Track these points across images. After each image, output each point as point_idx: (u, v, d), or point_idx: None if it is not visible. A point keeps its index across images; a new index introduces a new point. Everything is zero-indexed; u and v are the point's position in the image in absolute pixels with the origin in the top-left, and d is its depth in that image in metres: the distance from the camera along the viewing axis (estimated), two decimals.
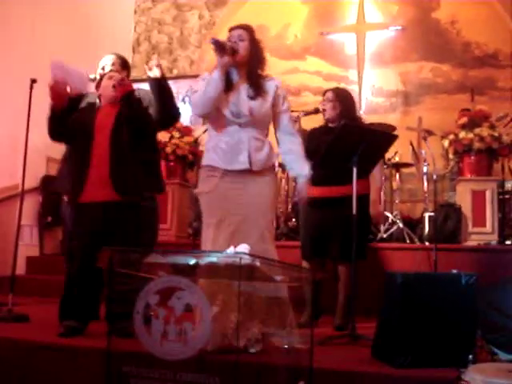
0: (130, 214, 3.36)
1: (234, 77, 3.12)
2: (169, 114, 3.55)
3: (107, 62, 4.02)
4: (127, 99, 3.45)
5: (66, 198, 4.01)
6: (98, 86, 3.61)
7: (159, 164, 4.08)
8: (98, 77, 3.95)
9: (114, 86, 3.46)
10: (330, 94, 4.03)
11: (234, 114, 3.04)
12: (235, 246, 2.43)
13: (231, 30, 3.15)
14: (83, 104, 3.87)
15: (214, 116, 3.10)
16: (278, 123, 3.18)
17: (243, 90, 3.08)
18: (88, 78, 3.65)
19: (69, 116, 3.52)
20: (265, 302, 2.75)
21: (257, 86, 3.08)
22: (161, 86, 3.44)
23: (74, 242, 3.42)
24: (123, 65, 4.06)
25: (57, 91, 3.42)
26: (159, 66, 3.41)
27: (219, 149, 3.05)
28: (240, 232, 2.94)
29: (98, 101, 3.72)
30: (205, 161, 3.13)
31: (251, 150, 3.02)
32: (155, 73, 3.41)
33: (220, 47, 2.99)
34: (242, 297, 2.35)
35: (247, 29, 3.15)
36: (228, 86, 3.07)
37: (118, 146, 3.37)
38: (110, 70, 3.75)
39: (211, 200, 3.07)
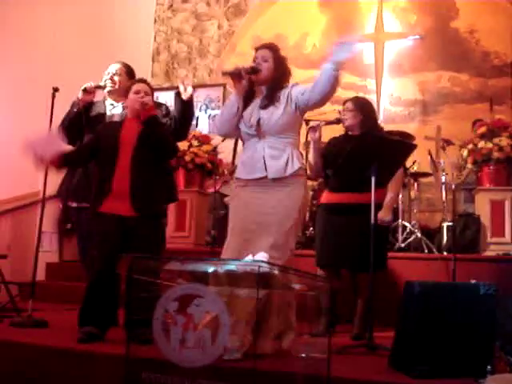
0: (148, 226, 3.42)
1: (257, 93, 3.27)
2: (186, 131, 3.97)
3: (113, 71, 4.13)
4: (149, 124, 3.49)
5: (74, 205, 4.05)
6: (125, 97, 3.64)
7: (173, 174, 4.18)
8: (107, 84, 4.05)
9: (139, 103, 3.50)
10: (349, 104, 4.04)
11: (246, 126, 3.20)
12: (245, 254, 2.44)
13: (257, 49, 3.29)
14: (93, 113, 3.97)
15: (238, 134, 3.31)
16: (300, 103, 3.19)
17: (259, 102, 3.21)
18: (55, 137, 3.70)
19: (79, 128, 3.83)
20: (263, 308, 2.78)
21: (270, 96, 3.19)
22: (189, 107, 3.77)
23: (94, 250, 3.45)
24: (129, 74, 4.15)
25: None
26: (192, 88, 3.68)
27: (242, 161, 3.22)
28: (252, 240, 3.02)
29: (108, 106, 3.98)
30: (235, 174, 3.31)
31: (266, 158, 3.10)
32: (188, 93, 3.70)
33: (233, 75, 3.19)
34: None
35: (271, 48, 3.27)
36: (247, 102, 3.23)
37: (139, 163, 3.45)
38: (131, 81, 3.78)
39: (233, 208, 3.24)
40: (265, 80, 3.21)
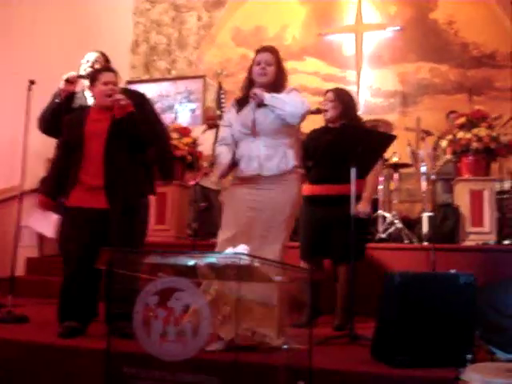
0: (123, 219, 3.38)
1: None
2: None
3: (92, 59, 4.05)
4: (125, 121, 3.42)
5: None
6: (90, 88, 3.60)
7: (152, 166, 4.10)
8: (81, 72, 3.97)
9: (108, 95, 3.43)
10: (330, 94, 4.04)
11: (242, 126, 3.25)
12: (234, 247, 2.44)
13: (258, 51, 3.34)
14: (75, 104, 3.90)
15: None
16: None
17: (254, 104, 3.26)
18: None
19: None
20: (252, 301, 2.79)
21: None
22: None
23: (69, 244, 3.42)
24: (107, 62, 4.09)
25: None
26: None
27: (239, 160, 3.24)
28: (243, 234, 3.06)
29: (89, 97, 3.84)
30: (236, 174, 3.32)
31: (261, 157, 3.17)
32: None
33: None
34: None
35: (274, 52, 3.33)
36: (243, 105, 3.31)
37: (112, 158, 3.40)
38: (97, 69, 3.72)
39: (227, 204, 3.32)
40: (267, 84, 3.27)
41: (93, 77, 3.57)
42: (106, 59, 4.11)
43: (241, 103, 3.33)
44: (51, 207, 3.58)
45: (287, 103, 3.14)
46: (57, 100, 3.88)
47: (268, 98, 3.16)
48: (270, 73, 3.26)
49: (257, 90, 3.20)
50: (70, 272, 3.41)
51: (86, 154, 3.40)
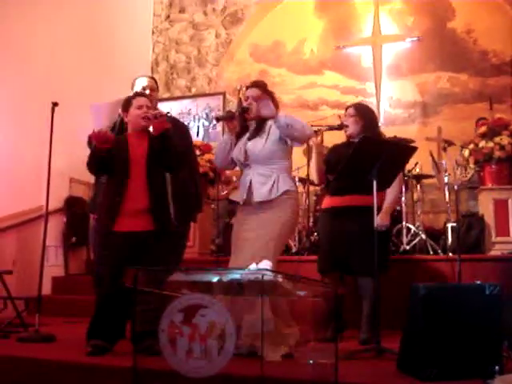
0: (165, 243, 3.42)
1: (249, 127, 3.58)
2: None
3: (143, 84, 4.01)
4: (163, 137, 3.45)
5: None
6: (125, 115, 3.59)
7: (197, 182, 4.14)
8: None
9: (146, 118, 3.46)
10: (351, 110, 4.04)
11: (237, 157, 3.53)
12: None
13: (247, 88, 3.62)
14: None
15: (235, 165, 3.65)
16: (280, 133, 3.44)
17: (247, 135, 3.55)
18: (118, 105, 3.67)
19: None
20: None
21: (257, 129, 3.51)
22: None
23: (103, 265, 3.44)
24: (156, 87, 4.11)
25: (101, 138, 3.38)
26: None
27: (238, 187, 3.62)
28: (240, 255, 3.29)
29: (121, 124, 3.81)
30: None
31: (253, 184, 3.42)
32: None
33: (226, 119, 3.55)
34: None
35: (260, 86, 3.56)
36: (242, 135, 3.56)
37: (154, 179, 3.47)
38: (133, 96, 3.67)
39: (234, 227, 3.57)
40: (257, 117, 3.47)
41: (126, 103, 3.58)
42: (155, 84, 4.13)
43: (237, 136, 3.57)
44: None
45: (301, 123, 3.35)
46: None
47: (282, 117, 3.32)
48: (254, 107, 3.44)
49: (266, 108, 3.35)
50: (102, 295, 3.44)
51: (131, 180, 3.43)
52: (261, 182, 3.39)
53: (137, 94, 3.69)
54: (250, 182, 3.42)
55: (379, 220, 3.75)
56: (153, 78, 4.20)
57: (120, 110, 3.64)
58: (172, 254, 3.57)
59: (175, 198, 3.62)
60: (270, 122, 3.46)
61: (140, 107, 3.51)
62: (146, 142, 3.50)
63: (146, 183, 3.43)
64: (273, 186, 3.37)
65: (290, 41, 8.24)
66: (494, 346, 2.69)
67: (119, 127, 3.80)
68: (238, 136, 3.56)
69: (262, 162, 3.43)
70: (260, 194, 3.38)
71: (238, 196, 3.55)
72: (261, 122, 3.49)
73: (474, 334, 2.69)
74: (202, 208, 4.23)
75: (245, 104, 3.51)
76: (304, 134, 3.38)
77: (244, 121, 3.55)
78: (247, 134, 3.53)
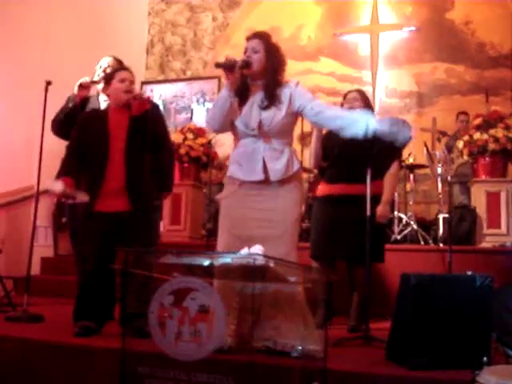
0: (142, 220, 3.40)
1: (251, 88, 3.09)
2: None
3: (105, 64, 4.11)
4: (142, 119, 3.43)
5: (70, 201, 3.99)
6: (105, 88, 3.60)
7: (172, 162, 4.12)
8: (101, 79, 4.01)
9: (126, 92, 3.44)
10: (356, 94, 4.00)
11: (246, 126, 3.04)
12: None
13: (247, 39, 3.12)
14: (88, 108, 3.94)
15: (232, 129, 3.13)
16: (305, 114, 3.06)
17: (257, 100, 3.05)
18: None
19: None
20: (276, 302, 2.77)
21: (270, 96, 3.03)
22: None
23: (88, 245, 3.43)
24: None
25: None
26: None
27: (237, 160, 3.07)
28: (257, 237, 2.86)
29: (102, 102, 3.89)
30: (228, 172, 3.16)
31: (267, 160, 3.00)
32: None
33: (226, 67, 2.98)
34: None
35: (262, 37, 3.09)
36: (243, 97, 3.07)
37: (132, 158, 3.41)
38: (116, 69, 3.67)
39: (227, 207, 3.10)
40: (258, 74, 3.04)
41: (108, 76, 3.57)
42: (119, 63, 4.14)
43: (240, 95, 3.07)
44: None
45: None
46: (70, 104, 3.93)
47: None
48: (255, 61, 3.01)
49: None
50: (86, 272, 3.42)
51: (111, 158, 3.39)
52: (275, 158, 3.00)
53: (119, 68, 3.65)
54: (263, 158, 3.00)
55: (380, 210, 3.75)
56: (117, 60, 4.18)
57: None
58: (151, 230, 3.56)
59: (152, 176, 3.58)
60: (287, 90, 3.04)
61: (122, 80, 3.45)
62: (126, 120, 3.44)
63: (124, 163, 3.39)
64: (288, 163, 3.01)
65: (287, 26, 8.20)
66: (482, 337, 2.69)
67: (80, 107, 3.91)
68: (241, 95, 3.07)
69: (275, 135, 3.01)
70: (276, 172, 2.98)
71: (241, 172, 3.06)
72: (272, 88, 3.03)
73: (463, 325, 2.69)
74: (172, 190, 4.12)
75: (244, 57, 3.02)
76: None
77: (244, 79, 3.05)
78: (255, 99, 3.05)
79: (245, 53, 3.06)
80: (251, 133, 3.03)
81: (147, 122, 3.43)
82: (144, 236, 3.37)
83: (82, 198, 3.36)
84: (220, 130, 3.19)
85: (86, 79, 3.98)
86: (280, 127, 3.02)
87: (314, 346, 2.66)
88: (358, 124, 2.88)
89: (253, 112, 3.03)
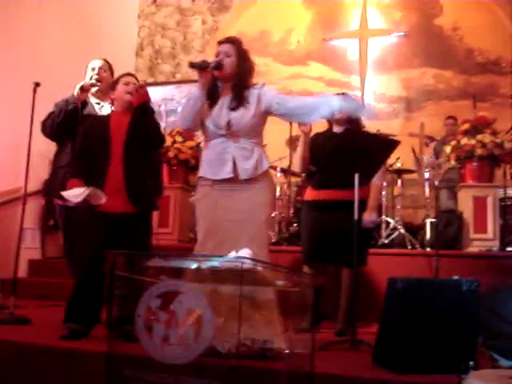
0: (143, 222, 3.46)
1: (221, 90, 3.20)
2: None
3: (98, 66, 4.08)
4: (142, 109, 3.46)
5: (59, 202, 3.96)
6: (113, 90, 3.59)
7: (161, 166, 4.14)
8: (91, 80, 3.99)
9: (129, 93, 3.47)
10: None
11: (216, 126, 3.13)
12: (226, 252, 2.43)
13: (220, 43, 3.24)
14: (85, 113, 3.90)
15: (202, 129, 3.24)
16: (273, 110, 3.15)
17: (226, 102, 3.15)
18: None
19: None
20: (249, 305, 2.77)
21: (238, 97, 3.13)
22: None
23: (88, 245, 3.42)
24: (111, 70, 4.14)
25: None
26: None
27: (207, 160, 3.17)
28: (230, 238, 2.98)
29: (94, 104, 3.91)
30: (199, 172, 3.24)
31: (236, 159, 3.08)
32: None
33: (200, 67, 3.09)
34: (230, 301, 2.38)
35: (234, 43, 3.22)
36: (213, 99, 3.17)
37: (131, 158, 3.43)
38: (121, 75, 3.70)
39: (203, 208, 3.19)
40: (228, 76, 3.15)
41: (114, 82, 3.62)
42: (110, 67, 4.14)
43: (211, 97, 3.17)
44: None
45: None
46: (70, 107, 3.81)
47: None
48: (227, 64, 3.12)
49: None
50: (85, 273, 3.41)
51: (112, 158, 3.42)
52: (244, 157, 3.08)
53: (125, 74, 3.67)
54: (233, 157, 3.08)
55: (367, 216, 3.78)
56: (108, 62, 4.17)
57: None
58: (147, 236, 3.57)
59: (148, 181, 3.59)
60: (254, 91, 3.15)
61: (127, 83, 3.52)
62: (127, 120, 3.48)
63: (123, 163, 3.41)
64: (257, 161, 3.09)
65: (276, 30, 8.22)
66: (469, 341, 2.71)
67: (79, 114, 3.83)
68: (209, 99, 3.17)
69: (244, 134, 3.10)
70: (245, 170, 3.06)
71: (211, 171, 3.13)
72: (240, 89, 3.14)
73: (449, 329, 2.70)
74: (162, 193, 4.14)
75: (217, 59, 3.13)
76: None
77: (214, 81, 3.16)
78: (224, 100, 3.15)
79: (217, 56, 3.16)
80: (221, 132, 3.11)
81: (147, 113, 3.48)
82: (144, 238, 3.43)
83: (102, 198, 3.35)
84: (192, 128, 3.32)
85: (86, 82, 3.94)
86: (249, 127, 3.11)
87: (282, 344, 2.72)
88: (322, 107, 3.00)
89: (222, 112, 3.12)
